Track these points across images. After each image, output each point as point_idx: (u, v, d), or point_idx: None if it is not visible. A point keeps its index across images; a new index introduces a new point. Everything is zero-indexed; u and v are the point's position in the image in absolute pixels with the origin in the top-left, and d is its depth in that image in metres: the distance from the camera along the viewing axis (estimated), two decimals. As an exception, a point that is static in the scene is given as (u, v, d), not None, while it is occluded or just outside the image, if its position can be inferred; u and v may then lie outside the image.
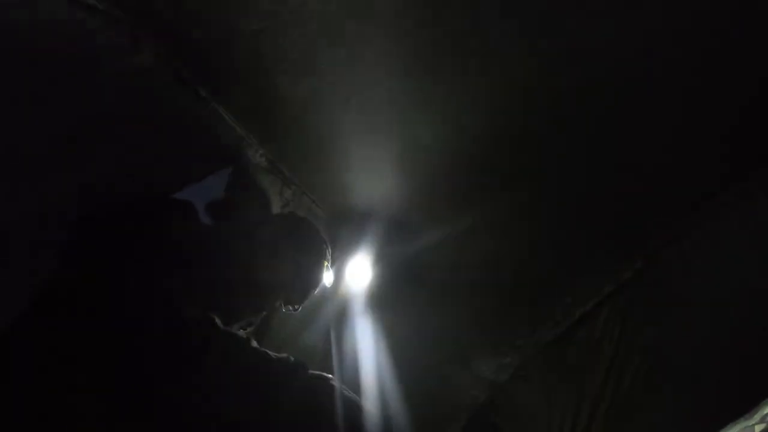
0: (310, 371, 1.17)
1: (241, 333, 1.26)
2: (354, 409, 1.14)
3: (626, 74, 1.40)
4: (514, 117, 1.51)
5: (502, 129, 1.53)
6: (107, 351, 0.95)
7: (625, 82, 1.42)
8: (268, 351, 1.14)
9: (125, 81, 1.24)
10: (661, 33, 1.30)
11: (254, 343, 1.15)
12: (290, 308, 1.48)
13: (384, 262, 1.88)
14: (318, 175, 1.67)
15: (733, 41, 1.34)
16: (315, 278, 1.49)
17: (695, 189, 1.75)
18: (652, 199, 1.77)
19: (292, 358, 1.16)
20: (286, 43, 1.25)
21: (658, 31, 1.29)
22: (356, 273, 1.86)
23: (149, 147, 1.37)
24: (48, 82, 1.17)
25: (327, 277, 1.54)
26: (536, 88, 1.42)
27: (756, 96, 1.49)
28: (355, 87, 1.38)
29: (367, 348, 1.88)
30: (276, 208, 1.57)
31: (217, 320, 1.11)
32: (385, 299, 1.98)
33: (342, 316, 1.89)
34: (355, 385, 1.69)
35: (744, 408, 1.82)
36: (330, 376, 1.19)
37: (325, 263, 1.52)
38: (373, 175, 1.66)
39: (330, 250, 1.54)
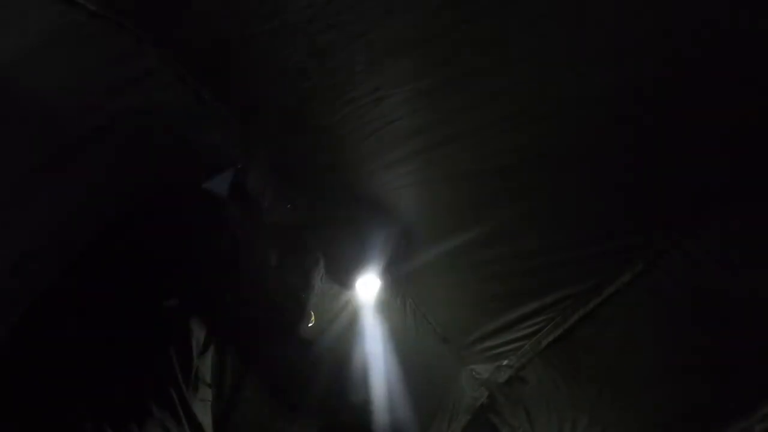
0: None
1: None
2: None
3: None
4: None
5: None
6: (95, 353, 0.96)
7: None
8: None
9: (129, 84, 1.26)
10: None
11: None
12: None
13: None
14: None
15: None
16: (308, 294, 1.51)
17: (696, 195, 1.76)
18: (654, 202, 1.77)
19: None
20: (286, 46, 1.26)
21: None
22: (365, 282, 1.90)
23: (151, 148, 1.38)
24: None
25: (319, 290, 1.56)
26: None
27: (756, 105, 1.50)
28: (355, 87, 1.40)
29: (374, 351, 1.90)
30: (276, 210, 1.58)
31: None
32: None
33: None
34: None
35: (743, 407, 1.83)
36: None
37: (317, 276, 1.53)
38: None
39: (321, 263, 1.55)
